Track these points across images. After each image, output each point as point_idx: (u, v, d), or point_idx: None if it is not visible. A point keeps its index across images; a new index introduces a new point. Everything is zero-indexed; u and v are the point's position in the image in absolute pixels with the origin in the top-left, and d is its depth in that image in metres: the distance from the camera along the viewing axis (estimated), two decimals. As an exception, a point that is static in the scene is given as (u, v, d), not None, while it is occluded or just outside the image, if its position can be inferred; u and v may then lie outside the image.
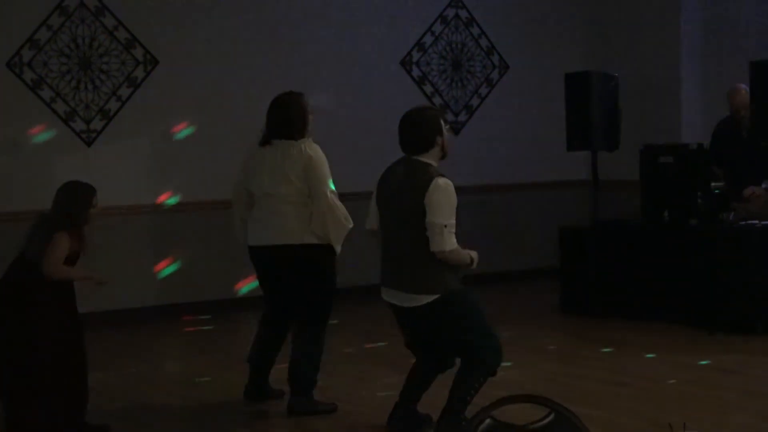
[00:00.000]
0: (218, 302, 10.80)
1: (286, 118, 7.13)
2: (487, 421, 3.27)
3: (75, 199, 6.55)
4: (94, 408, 6.76)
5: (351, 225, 7.05)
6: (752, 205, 9.53)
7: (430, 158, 6.28)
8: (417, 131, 6.33)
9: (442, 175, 6.18)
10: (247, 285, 10.71)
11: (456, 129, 12.11)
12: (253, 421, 7.20)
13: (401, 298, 6.29)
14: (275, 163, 7.06)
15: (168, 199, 10.73)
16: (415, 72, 11.99)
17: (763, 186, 9.58)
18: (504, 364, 6.48)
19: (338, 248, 7.09)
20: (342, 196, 7.14)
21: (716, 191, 9.72)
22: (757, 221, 9.44)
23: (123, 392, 7.88)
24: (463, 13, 12.43)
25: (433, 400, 6.47)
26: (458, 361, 6.48)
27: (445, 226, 6.07)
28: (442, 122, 6.36)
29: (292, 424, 7.01)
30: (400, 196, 6.25)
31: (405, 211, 6.23)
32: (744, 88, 9.63)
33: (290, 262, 7.08)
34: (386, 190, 6.37)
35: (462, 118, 12.42)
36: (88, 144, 10.40)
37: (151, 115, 10.65)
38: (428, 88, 12.14)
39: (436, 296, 6.16)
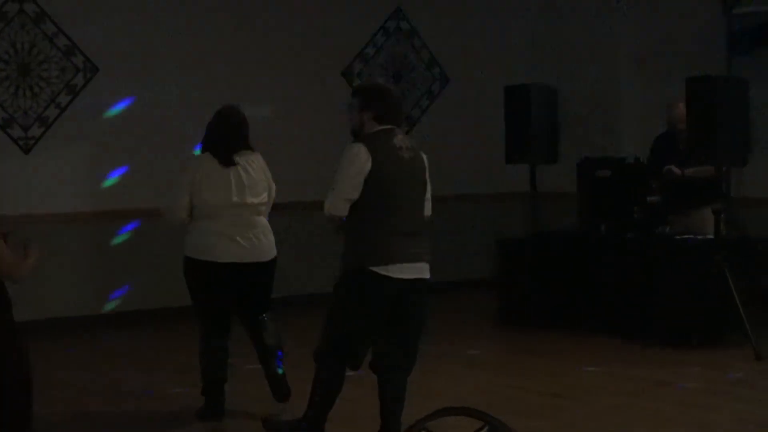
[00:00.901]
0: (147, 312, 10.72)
1: (245, 130, 7.23)
2: (423, 432, 3.24)
3: None
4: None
5: None
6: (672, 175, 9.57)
7: None
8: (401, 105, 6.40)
9: None
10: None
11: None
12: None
13: (423, 269, 6.22)
14: (240, 175, 7.08)
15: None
16: (357, 83, 11.97)
17: (686, 171, 9.59)
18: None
19: None
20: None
21: (652, 205, 9.76)
22: (692, 235, 9.52)
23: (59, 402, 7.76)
24: (404, 25, 12.43)
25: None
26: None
27: None
28: None
29: None
30: (415, 167, 6.20)
31: (420, 184, 6.22)
32: (681, 103, 9.70)
33: (270, 275, 7.28)
34: (398, 159, 6.14)
35: (403, 128, 12.39)
36: (26, 151, 10.28)
37: (90, 123, 10.54)
38: (369, 99, 12.11)
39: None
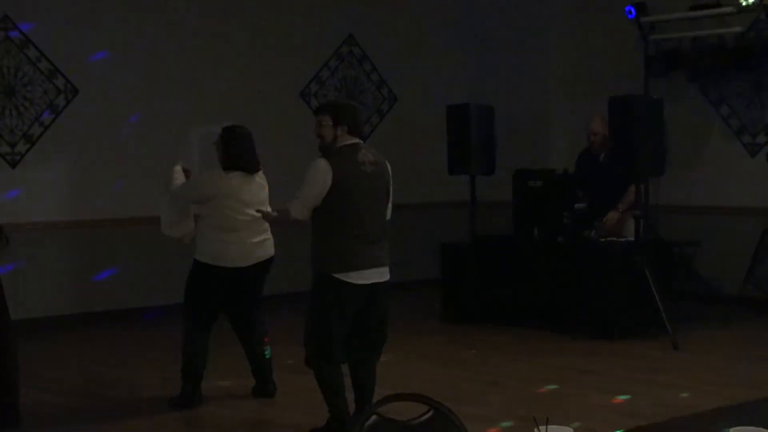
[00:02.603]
0: (123, 311, 10.65)
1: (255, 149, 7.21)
2: (373, 417, 3.25)
3: None
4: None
5: None
6: (608, 225, 9.68)
7: None
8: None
9: None
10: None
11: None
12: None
13: (383, 272, 6.22)
14: (254, 190, 7.10)
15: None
16: (314, 103, 11.95)
17: (619, 208, 9.73)
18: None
19: None
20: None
21: (579, 211, 9.83)
22: (615, 238, 9.60)
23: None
24: (356, 50, 12.45)
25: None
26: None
27: None
28: None
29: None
30: (376, 179, 6.16)
31: (382, 194, 6.21)
32: (599, 115, 9.78)
33: (268, 271, 7.30)
34: (360, 174, 6.09)
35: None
36: (12, 166, 10.19)
37: (71, 140, 10.47)
38: (325, 118, 12.09)
39: None
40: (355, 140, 6.17)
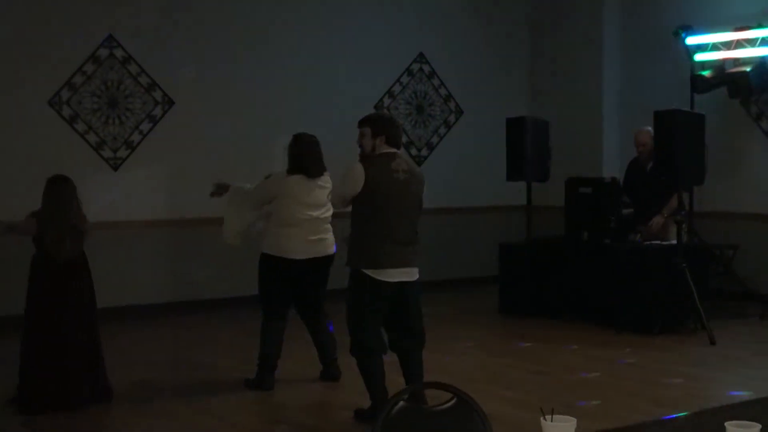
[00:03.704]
0: (213, 301, 10.79)
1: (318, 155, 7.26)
2: (400, 403, 3.24)
3: None
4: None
5: None
6: (652, 229, 9.59)
7: None
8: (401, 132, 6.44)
9: None
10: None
11: (419, 162, 12.16)
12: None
13: (411, 272, 6.21)
14: (314, 192, 7.17)
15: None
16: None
17: (664, 214, 9.63)
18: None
19: None
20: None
21: (625, 216, 9.76)
22: (658, 241, 9.51)
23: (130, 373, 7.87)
24: (426, 68, 12.48)
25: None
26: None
27: None
28: None
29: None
30: (407, 186, 6.18)
31: (413, 201, 6.22)
32: (646, 129, 9.70)
33: (328, 267, 7.31)
34: (392, 180, 6.14)
35: (424, 153, 12.47)
36: (115, 169, 10.40)
37: (167, 147, 10.66)
38: (396, 128, 12.15)
39: None
40: (392, 150, 6.23)
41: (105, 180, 10.28)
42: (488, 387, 7.15)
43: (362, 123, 6.35)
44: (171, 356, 8.58)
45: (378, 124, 6.29)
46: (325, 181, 7.27)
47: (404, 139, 11.93)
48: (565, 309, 9.92)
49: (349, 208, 6.31)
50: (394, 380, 6.33)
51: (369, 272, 6.09)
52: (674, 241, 9.27)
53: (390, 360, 6.43)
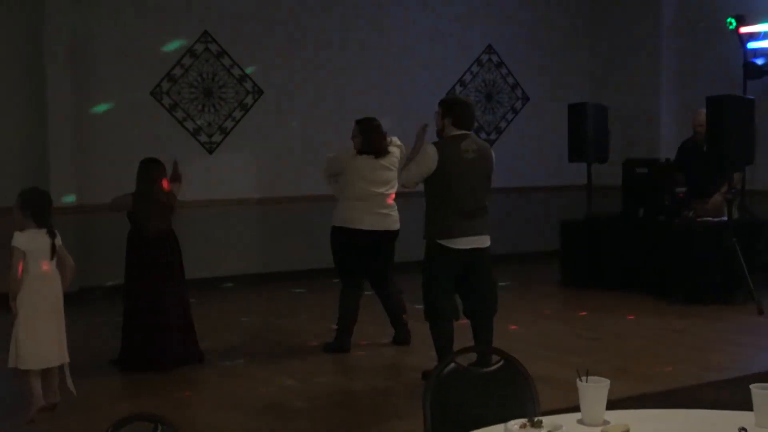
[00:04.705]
0: (299, 272, 10.88)
1: (382, 137, 7.31)
2: (452, 365, 3.29)
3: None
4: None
5: None
6: (711, 206, 9.40)
7: None
8: (474, 115, 6.46)
9: None
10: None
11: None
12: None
13: (482, 240, 6.24)
14: (378, 171, 7.22)
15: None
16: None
17: (723, 192, 9.44)
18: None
19: None
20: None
21: (679, 194, 9.61)
22: (710, 218, 9.35)
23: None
24: (494, 58, 12.41)
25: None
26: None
27: None
28: None
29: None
30: (476, 164, 6.20)
31: (482, 178, 6.24)
32: (702, 110, 9.52)
33: (392, 242, 7.34)
34: (461, 159, 6.16)
35: (493, 136, 12.42)
36: (210, 152, 10.57)
37: (257, 132, 10.78)
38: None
39: None
40: (463, 132, 6.24)
41: (201, 162, 10.43)
42: (546, 352, 7.13)
43: (439, 104, 6.45)
44: (259, 323, 8.70)
45: (446, 107, 6.35)
46: (390, 162, 7.29)
47: (475, 124, 11.90)
48: (622, 281, 9.81)
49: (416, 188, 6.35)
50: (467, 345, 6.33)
51: (442, 242, 6.14)
52: (725, 218, 9.11)
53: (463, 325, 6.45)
